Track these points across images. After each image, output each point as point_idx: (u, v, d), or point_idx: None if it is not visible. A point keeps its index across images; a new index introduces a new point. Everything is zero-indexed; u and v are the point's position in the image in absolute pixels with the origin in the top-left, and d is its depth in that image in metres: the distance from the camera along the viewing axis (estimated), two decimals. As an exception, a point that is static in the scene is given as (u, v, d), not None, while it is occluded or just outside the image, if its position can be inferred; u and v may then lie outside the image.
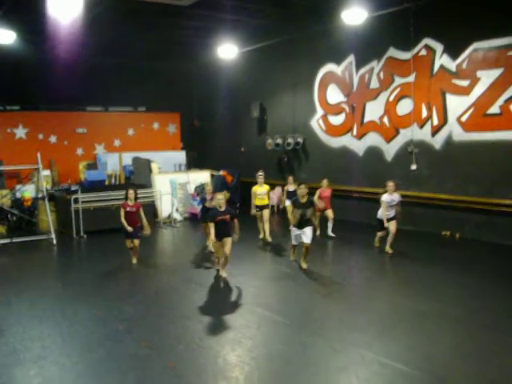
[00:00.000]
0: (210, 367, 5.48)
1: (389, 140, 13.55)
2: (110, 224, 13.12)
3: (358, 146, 14.42)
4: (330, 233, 12.18)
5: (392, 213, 10.35)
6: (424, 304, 7.61)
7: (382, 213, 10.37)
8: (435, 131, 12.44)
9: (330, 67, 15.10)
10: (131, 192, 9.99)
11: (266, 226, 11.79)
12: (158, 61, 18.88)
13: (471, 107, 11.64)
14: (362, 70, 14.09)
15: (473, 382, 5.06)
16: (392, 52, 13.20)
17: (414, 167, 12.92)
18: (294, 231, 9.28)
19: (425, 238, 11.82)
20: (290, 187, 12.51)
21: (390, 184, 10.31)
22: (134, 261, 10.08)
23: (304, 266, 9.34)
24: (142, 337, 6.33)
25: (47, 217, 12.56)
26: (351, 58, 14.37)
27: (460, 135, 11.94)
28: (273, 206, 16.71)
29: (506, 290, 8.10)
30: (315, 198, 11.47)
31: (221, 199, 8.79)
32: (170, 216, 14.95)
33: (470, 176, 11.80)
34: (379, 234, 10.75)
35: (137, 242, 9.99)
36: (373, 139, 14.00)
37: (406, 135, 13.07)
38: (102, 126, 19.41)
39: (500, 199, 11.19)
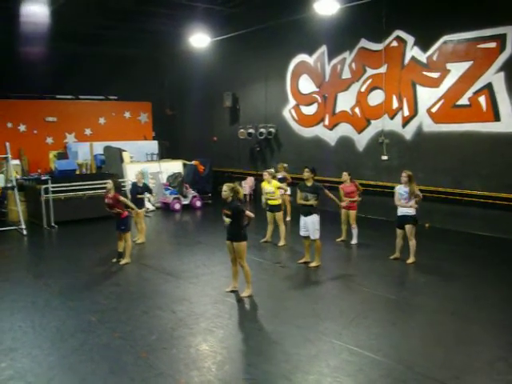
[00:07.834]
0: (182, 357, 5.51)
1: (360, 130, 13.68)
2: (81, 214, 13.02)
3: (330, 136, 14.53)
4: (353, 241, 10.55)
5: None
6: (393, 293, 7.75)
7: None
8: (406, 122, 12.61)
9: (302, 57, 15.15)
10: (108, 183, 9.28)
11: (281, 229, 10.54)
12: (129, 50, 18.68)
13: (441, 99, 11.82)
14: (334, 61, 14.17)
15: (439, 368, 5.20)
16: (364, 43, 13.30)
17: (384, 157, 13.09)
18: (301, 220, 8.94)
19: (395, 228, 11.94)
20: (279, 175, 12.12)
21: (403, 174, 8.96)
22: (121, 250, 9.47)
23: (313, 263, 8.89)
24: (115, 327, 6.33)
25: (17, 207, 12.39)
26: (323, 49, 14.43)
27: (430, 126, 12.13)
28: (245, 195, 16.76)
29: (473, 277, 8.31)
30: (340, 194, 10.40)
31: (225, 191, 7.20)
32: (142, 206, 14.84)
33: (439, 167, 12.00)
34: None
35: (123, 235, 9.29)
36: (344, 129, 14.11)
37: (377, 126, 13.22)
38: (73, 114, 19.20)
39: (468, 190, 11.43)
